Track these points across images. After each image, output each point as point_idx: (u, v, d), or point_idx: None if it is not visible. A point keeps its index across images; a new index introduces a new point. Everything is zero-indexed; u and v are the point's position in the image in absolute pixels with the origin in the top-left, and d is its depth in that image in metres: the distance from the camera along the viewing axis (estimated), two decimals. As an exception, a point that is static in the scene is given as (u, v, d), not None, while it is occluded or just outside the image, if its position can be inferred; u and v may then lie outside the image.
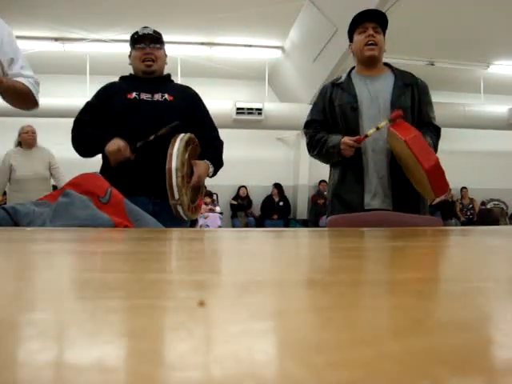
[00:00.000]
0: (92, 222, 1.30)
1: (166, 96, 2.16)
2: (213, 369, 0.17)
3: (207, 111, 2.28)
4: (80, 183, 1.46)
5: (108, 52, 8.17)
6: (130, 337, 0.22)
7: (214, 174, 2.20)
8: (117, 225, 1.34)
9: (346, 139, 2.04)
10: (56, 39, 8.03)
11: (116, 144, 1.98)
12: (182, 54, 7.93)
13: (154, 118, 2.10)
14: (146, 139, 2.01)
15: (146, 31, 2.19)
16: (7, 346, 0.20)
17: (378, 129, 2.00)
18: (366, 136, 2.02)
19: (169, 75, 2.31)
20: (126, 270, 0.46)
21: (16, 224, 1.28)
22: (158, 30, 2.23)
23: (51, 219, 1.31)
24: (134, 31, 2.23)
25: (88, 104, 2.20)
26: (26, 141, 4.41)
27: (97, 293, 0.33)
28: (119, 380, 0.16)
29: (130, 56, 2.25)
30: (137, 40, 2.19)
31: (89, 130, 2.11)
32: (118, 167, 2.09)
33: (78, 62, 8.43)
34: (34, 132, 4.51)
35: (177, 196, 1.90)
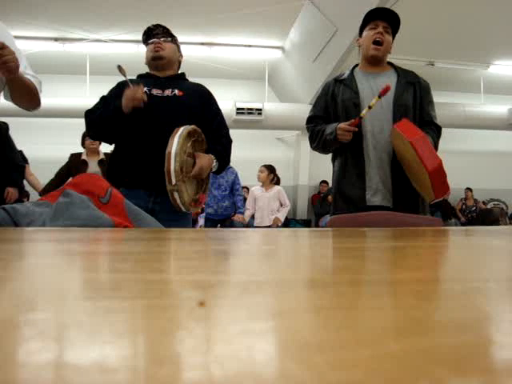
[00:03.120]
0: (92, 222, 1.30)
1: (176, 91, 2.21)
2: (213, 369, 0.17)
3: (218, 109, 2.30)
4: (80, 183, 1.46)
5: (108, 52, 8.17)
6: (130, 337, 0.22)
7: (220, 170, 2.20)
8: (117, 225, 1.34)
9: (342, 124, 2.08)
10: (56, 39, 8.03)
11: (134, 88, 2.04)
12: (181, 54, 7.92)
13: (162, 112, 2.13)
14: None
15: (154, 26, 2.28)
16: (7, 346, 0.20)
17: (370, 108, 2.05)
18: (361, 118, 2.06)
19: (183, 74, 2.35)
20: (126, 270, 0.46)
21: (16, 224, 1.28)
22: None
23: (51, 219, 1.31)
24: (143, 30, 2.32)
25: (102, 97, 2.27)
26: None
27: (97, 293, 0.33)
28: (119, 380, 0.16)
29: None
30: (147, 36, 2.28)
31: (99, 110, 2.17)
32: (121, 160, 2.12)
33: (78, 62, 8.43)
34: None
35: (174, 181, 1.88)
